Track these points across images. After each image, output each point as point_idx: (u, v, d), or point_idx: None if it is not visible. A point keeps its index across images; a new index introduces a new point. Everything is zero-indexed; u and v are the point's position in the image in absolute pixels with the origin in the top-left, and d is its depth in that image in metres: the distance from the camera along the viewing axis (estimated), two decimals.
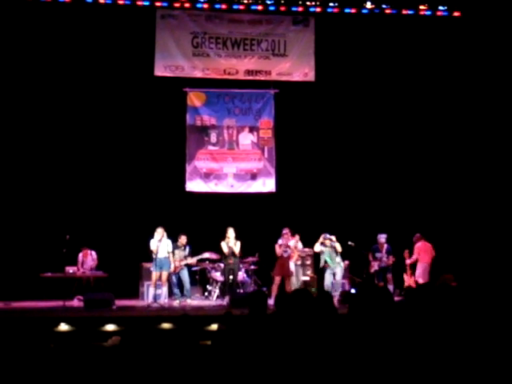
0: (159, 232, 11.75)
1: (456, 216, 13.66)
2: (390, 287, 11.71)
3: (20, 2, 13.11)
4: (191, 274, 12.54)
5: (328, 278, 12.11)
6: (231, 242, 12.09)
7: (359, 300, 3.51)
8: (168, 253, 11.80)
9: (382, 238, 12.39)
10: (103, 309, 10.56)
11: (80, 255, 12.60)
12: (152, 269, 11.73)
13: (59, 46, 13.26)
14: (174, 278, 12.13)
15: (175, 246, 12.10)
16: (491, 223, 13.52)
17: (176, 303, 11.87)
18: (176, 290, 12.15)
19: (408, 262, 12.23)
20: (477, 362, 3.11)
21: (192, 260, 12.25)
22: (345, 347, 3.27)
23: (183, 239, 12.22)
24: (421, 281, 11.81)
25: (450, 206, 13.87)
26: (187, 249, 12.24)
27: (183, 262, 12.09)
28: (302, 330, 3.60)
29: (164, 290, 11.72)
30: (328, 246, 12.09)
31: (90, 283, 12.52)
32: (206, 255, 12.39)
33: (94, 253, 12.72)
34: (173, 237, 11.99)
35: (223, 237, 12.18)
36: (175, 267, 12.02)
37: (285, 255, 12.07)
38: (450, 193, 14.02)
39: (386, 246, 12.33)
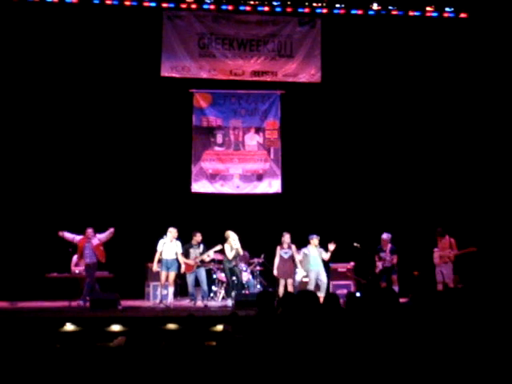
0: (172, 232, 11.75)
1: (462, 216, 13.61)
2: (395, 288, 11.63)
3: (27, 3, 13.17)
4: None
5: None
6: (237, 244, 12.03)
7: (364, 302, 3.50)
8: (176, 254, 11.77)
9: (386, 237, 12.30)
10: (109, 309, 10.58)
11: (75, 257, 12.51)
12: (159, 269, 11.74)
13: (66, 47, 13.29)
14: (190, 278, 12.02)
15: (190, 245, 12.06)
16: (497, 224, 13.48)
17: (191, 304, 11.86)
18: (192, 290, 12.04)
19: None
20: (481, 361, 3.10)
21: (206, 255, 12.03)
22: (351, 348, 3.27)
23: (198, 237, 12.11)
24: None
25: (456, 206, 13.82)
26: (201, 246, 12.09)
27: (198, 259, 11.97)
28: (308, 331, 3.59)
29: (170, 291, 11.71)
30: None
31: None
32: (219, 247, 12.13)
33: None
34: (179, 238, 11.97)
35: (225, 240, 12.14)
36: (191, 266, 11.98)
37: (285, 257, 12.08)
38: (457, 193, 13.97)
39: (389, 245, 12.23)
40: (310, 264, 11.96)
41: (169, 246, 11.72)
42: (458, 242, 12.11)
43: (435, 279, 12.02)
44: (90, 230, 12.03)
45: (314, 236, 12.09)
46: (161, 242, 11.75)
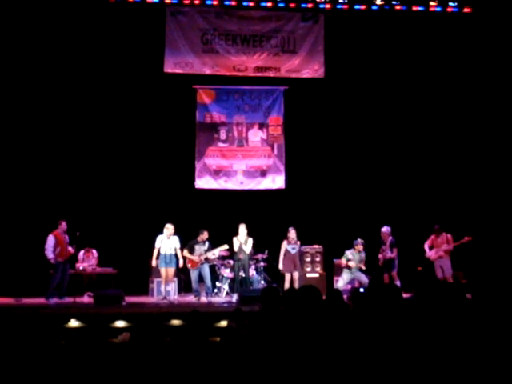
0: (169, 229, 11.75)
1: (466, 212, 13.59)
2: (397, 283, 11.56)
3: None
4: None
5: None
6: (242, 239, 12.07)
7: (368, 298, 3.50)
8: (175, 250, 11.78)
9: (386, 230, 12.27)
10: (113, 305, 10.61)
11: (81, 253, 12.61)
12: (159, 265, 11.76)
13: (69, 43, 13.29)
14: (194, 274, 12.05)
15: (195, 242, 12.08)
16: (501, 219, 13.47)
17: (195, 299, 11.89)
18: (196, 286, 12.08)
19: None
20: (485, 357, 3.10)
21: (211, 253, 12.08)
22: (354, 344, 3.27)
23: (205, 235, 12.13)
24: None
25: (460, 202, 13.80)
26: (207, 244, 12.13)
27: (203, 257, 12.00)
28: (312, 327, 3.59)
29: (173, 287, 11.72)
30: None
31: (92, 280, 12.59)
32: (226, 247, 12.24)
33: (94, 251, 12.75)
34: (182, 234, 11.98)
35: (235, 233, 12.21)
36: (195, 263, 12.01)
37: (292, 252, 12.09)
38: (461, 189, 13.95)
39: (390, 238, 12.22)
40: (352, 269, 11.85)
41: (167, 242, 11.74)
42: (457, 234, 12.19)
43: (436, 275, 12.13)
44: (64, 223, 11.83)
45: (359, 241, 11.85)
46: (159, 238, 11.77)
